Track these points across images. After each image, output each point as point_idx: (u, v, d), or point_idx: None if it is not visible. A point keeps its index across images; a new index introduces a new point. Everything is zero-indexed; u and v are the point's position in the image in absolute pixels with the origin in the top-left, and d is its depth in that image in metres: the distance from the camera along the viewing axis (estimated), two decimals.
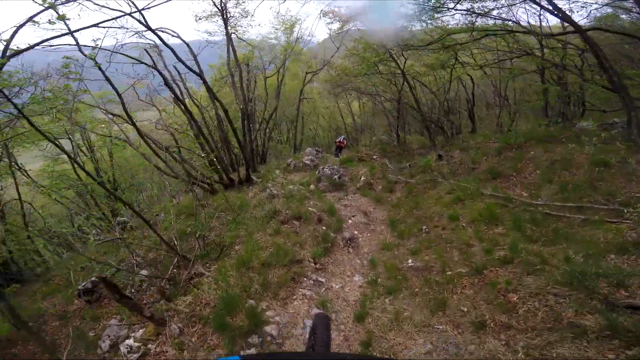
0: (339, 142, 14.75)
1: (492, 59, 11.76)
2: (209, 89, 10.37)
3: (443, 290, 4.59)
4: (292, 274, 5.37)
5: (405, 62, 11.56)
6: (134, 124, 8.17)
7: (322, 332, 1.53)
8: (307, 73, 16.45)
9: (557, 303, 3.71)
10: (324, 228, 6.71)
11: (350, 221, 7.36)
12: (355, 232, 6.92)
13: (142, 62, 8.20)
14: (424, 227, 6.45)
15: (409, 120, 16.41)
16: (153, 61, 9.10)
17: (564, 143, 7.72)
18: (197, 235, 6.21)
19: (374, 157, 11.45)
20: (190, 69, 9.76)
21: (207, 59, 14.01)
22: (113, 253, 7.10)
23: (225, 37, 11.34)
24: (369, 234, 6.92)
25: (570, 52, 10.60)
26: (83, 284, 5.77)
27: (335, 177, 9.63)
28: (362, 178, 9.37)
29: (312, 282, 5.38)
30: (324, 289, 5.28)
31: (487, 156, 8.86)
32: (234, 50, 11.74)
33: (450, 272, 4.88)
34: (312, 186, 9.86)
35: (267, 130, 15.78)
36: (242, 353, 3.93)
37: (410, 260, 5.51)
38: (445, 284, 4.69)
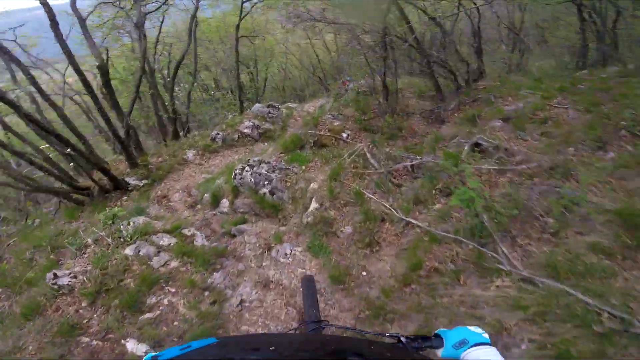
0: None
1: None
2: None
3: None
4: None
5: None
6: None
7: (309, 296, 1.53)
8: (242, 2, 10.68)
9: None
10: None
11: None
12: None
13: None
14: None
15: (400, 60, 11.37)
16: None
17: None
18: None
19: (345, 134, 6.77)
20: None
21: None
22: None
23: None
24: None
25: None
26: None
27: (264, 190, 5.13)
28: (313, 204, 4.52)
29: None
30: None
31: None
32: None
33: None
34: (224, 202, 5.41)
35: (177, 88, 10.44)
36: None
37: None
38: None
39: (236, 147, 8.67)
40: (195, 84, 10.96)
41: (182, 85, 13.10)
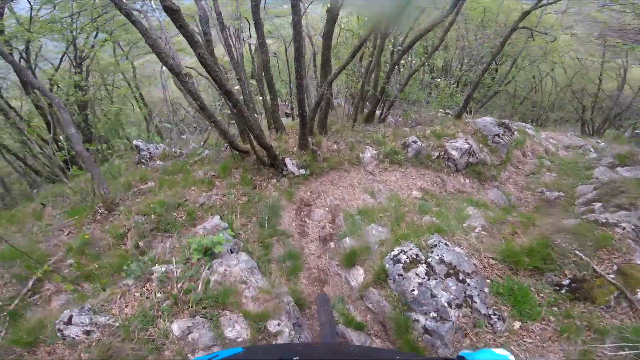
0: None
1: None
2: None
3: None
4: None
5: None
6: None
7: (324, 314, 1.54)
8: None
9: None
10: None
11: None
12: None
13: None
14: None
15: None
16: None
17: None
18: None
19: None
20: None
21: None
22: None
23: None
24: None
25: None
26: None
27: (421, 327, 2.69)
28: None
29: None
30: None
31: None
32: None
33: None
34: (355, 274, 3.37)
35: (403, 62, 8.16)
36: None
37: None
38: None
39: (425, 169, 6.23)
40: (427, 64, 8.58)
41: (408, 59, 11.02)
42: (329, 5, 4.59)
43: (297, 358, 0.81)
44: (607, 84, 14.67)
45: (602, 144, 13.19)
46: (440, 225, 4.12)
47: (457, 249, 3.57)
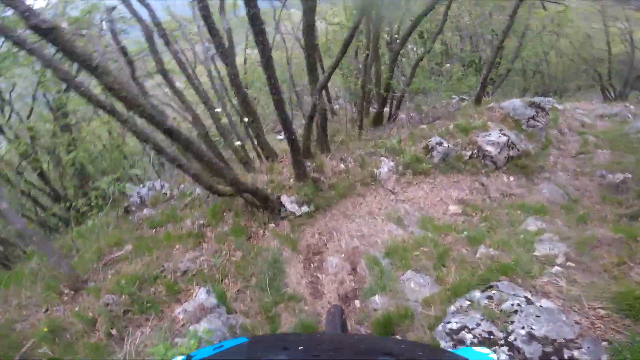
0: None
1: None
2: None
3: None
4: None
5: None
6: None
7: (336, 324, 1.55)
8: None
9: None
10: None
11: None
12: None
13: None
14: None
15: None
16: None
17: None
18: None
19: None
20: None
21: None
22: None
23: None
24: None
25: None
26: None
27: None
28: None
29: None
30: None
31: None
32: None
33: None
34: None
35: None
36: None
37: None
38: None
39: (458, 174, 5.04)
40: (430, 51, 7.39)
41: (409, 48, 9.85)
42: None
43: (302, 347, 0.81)
44: (615, 49, 14.51)
45: (632, 107, 11.80)
46: (503, 260, 2.95)
47: (545, 303, 2.40)
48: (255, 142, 4.63)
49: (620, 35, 13.96)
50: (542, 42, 13.75)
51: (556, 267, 2.94)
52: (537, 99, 6.86)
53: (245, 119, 4.19)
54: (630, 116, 9.54)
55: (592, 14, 13.19)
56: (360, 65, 6.77)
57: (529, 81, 15.02)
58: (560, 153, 6.63)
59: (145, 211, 5.99)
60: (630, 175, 5.15)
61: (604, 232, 3.54)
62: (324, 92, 5.31)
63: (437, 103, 7.86)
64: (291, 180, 4.35)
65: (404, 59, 9.49)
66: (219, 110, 4.42)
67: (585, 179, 5.46)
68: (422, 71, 8.93)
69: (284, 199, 4.27)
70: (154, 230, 4.80)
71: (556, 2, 8.82)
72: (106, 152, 9.34)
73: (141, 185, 6.46)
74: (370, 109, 7.97)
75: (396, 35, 8.05)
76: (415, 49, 9.51)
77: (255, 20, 2.63)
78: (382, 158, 5.02)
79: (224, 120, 4.70)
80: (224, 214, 4.60)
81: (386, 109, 7.49)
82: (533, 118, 6.42)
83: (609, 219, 4.45)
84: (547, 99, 7.75)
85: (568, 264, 3.00)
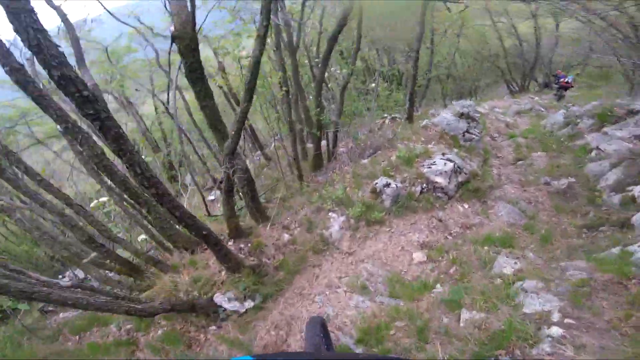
0: (566, 82, 10.88)
1: None
2: None
3: None
4: None
5: None
6: None
7: (314, 336, 1.51)
8: None
9: None
10: None
11: None
12: None
13: None
14: None
15: None
16: None
17: None
18: None
19: None
20: None
21: None
22: None
23: None
24: None
25: None
26: None
27: None
28: None
29: None
30: None
31: None
32: None
33: None
34: None
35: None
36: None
37: None
38: None
39: (415, 215, 4.54)
40: (352, 73, 6.96)
41: (332, 70, 9.48)
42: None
43: None
44: (507, 43, 15.72)
45: (536, 98, 13.08)
46: (493, 326, 2.41)
47: None
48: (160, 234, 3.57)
49: (507, 30, 14.98)
50: (445, 45, 14.69)
51: (554, 328, 2.47)
52: (463, 108, 6.73)
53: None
54: (542, 110, 10.32)
55: (481, 12, 13.97)
56: (285, 106, 6.03)
57: (445, 86, 15.88)
58: (500, 162, 6.61)
59: (61, 314, 4.73)
60: (573, 179, 5.16)
61: (578, 263, 3.23)
62: (239, 148, 4.45)
63: (371, 123, 7.47)
64: (222, 273, 3.39)
65: (330, 84, 9.09)
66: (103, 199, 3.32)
67: (532, 189, 5.37)
68: (350, 95, 8.61)
69: (218, 298, 3.29)
70: (77, 337, 3.74)
71: (456, 2, 9.25)
72: None
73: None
74: (308, 144, 7.32)
75: (317, 60, 7.58)
76: (339, 71, 9.16)
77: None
78: (330, 214, 4.30)
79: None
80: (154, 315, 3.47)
81: (324, 142, 6.90)
82: (467, 131, 6.31)
83: (569, 232, 4.27)
84: (468, 102, 7.87)
85: (566, 321, 2.54)
